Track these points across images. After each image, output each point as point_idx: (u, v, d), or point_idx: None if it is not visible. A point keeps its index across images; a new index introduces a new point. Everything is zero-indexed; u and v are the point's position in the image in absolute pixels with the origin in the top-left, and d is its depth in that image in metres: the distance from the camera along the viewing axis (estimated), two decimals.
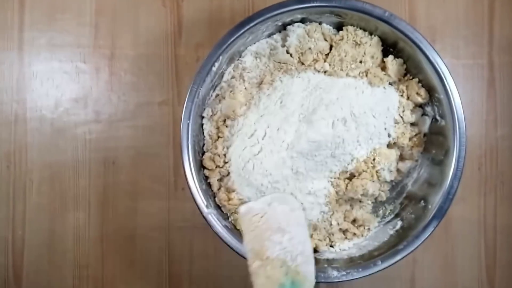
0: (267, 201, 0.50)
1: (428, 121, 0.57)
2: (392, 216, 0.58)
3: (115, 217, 0.62)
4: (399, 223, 0.56)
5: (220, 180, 0.56)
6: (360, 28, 0.56)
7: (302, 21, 0.57)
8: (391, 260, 0.51)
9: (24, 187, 0.62)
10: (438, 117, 0.55)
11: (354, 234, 0.57)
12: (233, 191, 0.55)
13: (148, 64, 0.62)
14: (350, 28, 0.56)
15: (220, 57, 0.52)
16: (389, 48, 0.57)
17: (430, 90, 0.55)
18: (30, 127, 0.62)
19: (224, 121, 0.56)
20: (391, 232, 0.56)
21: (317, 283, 0.50)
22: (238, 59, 0.57)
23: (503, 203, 0.63)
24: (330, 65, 0.56)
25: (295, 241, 0.46)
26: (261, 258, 0.45)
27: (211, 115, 0.57)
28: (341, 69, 0.55)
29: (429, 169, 0.56)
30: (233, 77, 0.57)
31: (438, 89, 0.52)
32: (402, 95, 0.57)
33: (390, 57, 0.56)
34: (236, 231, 0.55)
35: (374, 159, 0.56)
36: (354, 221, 0.58)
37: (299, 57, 0.56)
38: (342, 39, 0.56)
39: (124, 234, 0.62)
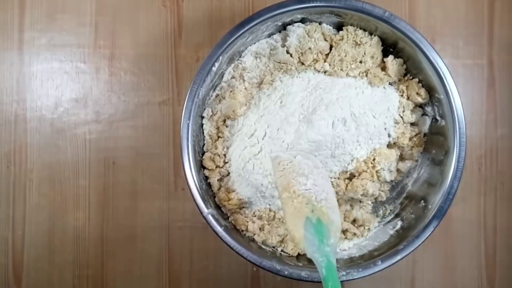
0: (292, 154, 0.51)
1: (428, 121, 0.57)
2: (392, 216, 0.58)
3: (115, 217, 0.62)
4: (399, 223, 0.56)
5: (220, 180, 0.56)
6: (360, 28, 0.56)
7: (302, 21, 0.57)
8: (391, 260, 0.51)
9: (24, 187, 0.62)
10: (438, 117, 0.55)
11: (354, 234, 0.57)
12: (233, 191, 0.55)
13: (148, 64, 0.62)
14: (350, 28, 0.56)
15: (220, 57, 0.52)
16: (389, 48, 0.57)
17: (430, 90, 0.55)
18: (30, 127, 0.62)
19: (224, 121, 0.56)
20: (391, 232, 0.56)
21: (317, 282, 0.51)
22: (238, 59, 0.57)
23: (503, 203, 0.63)
24: (330, 65, 0.56)
25: (318, 187, 0.46)
26: (288, 191, 0.46)
27: (211, 115, 0.57)
28: (341, 69, 0.55)
29: (429, 169, 0.56)
30: (233, 77, 0.57)
31: (438, 89, 0.52)
32: (402, 95, 0.57)
33: (390, 57, 0.56)
34: (236, 231, 0.55)
35: (374, 159, 0.56)
36: (354, 221, 0.58)
37: (299, 57, 0.56)
38: (342, 39, 0.56)
39: (124, 234, 0.62)
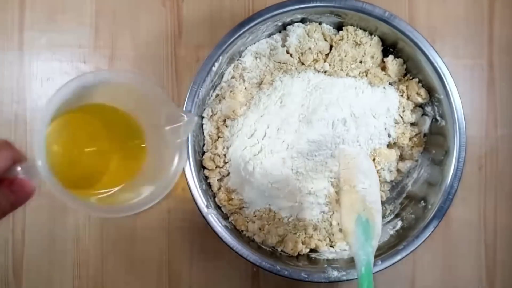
0: (357, 151, 0.53)
1: (428, 121, 0.57)
2: (392, 216, 0.58)
3: (115, 217, 0.62)
4: (399, 223, 0.56)
5: (220, 180, 0.56)
6: (360, 28, 0.56)
7: (302, 21, 0.57)
8: (391, 260, 0.51)
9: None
10: (438, 117, 0.55)
11: None
12: (233, 191, 0.55)
13: (148, 65, 0.62)
14: (350, 28, 0.56)
15: (220, 57, 0.52)
16: (389, 48, 0.57)
17: (430, 90, 0.55)
18: (30, 127, 0.62)
19: (224, 121, 0.56)
20: (391, 232, 0.56)
21: (317, 283, 0.51)
22: (238, 59, 0.57)
23: (503, 203, 0.63)
24: (330, 65, 0.56)
25: (373, 189, 0.48)
26: (349, 184, 0.48)
27: (211, 115, 0.57)
28: (341, 69, 0.55)
29: (429, 169, 0.56)
30: (233, 77, 0.57)
31: (438, 89, 0.52)
32: (402, 95, 0.57)
33: (390, 57, 0.56)
34: (236, 231, 0.55)
35: (374, 159, 0.56)
36: None
37: (299, 57, 0.56)
38: (342, 39, 0.56)
39: (124, 234, 0.62)
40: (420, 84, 0.56)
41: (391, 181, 0.59)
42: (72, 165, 0.42)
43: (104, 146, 0.44)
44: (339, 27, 0.57)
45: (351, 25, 0.56)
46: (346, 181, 0.48)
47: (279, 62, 0.56)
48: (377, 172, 0.57)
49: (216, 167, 0.56)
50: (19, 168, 0.32)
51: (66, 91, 0.35)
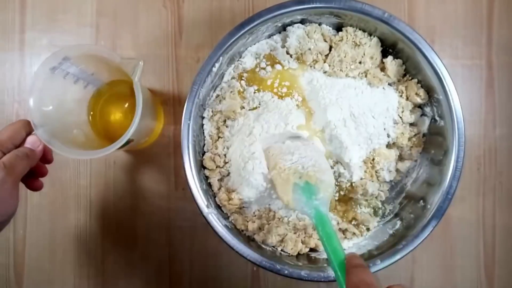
0: (282, 141, 0.55)
1: (427, 121, 0.57)
2: (392, 216, 0.58)
3: (115, 216, 0.62)
4: (398, 223, 0.56)
5: (220, 180, 0.57)
6: (360, 29, 0.56)
7: (302, 22, 0.57)
8: (390, 260, 0.51)
9: (24, 187, 0.62)
10: (437, 118, 0.55)
11: (354, 233, 0.57)
12: (234, 191, 0.55)
13: (149, 65, 0.62)
14: (350, 29, 0.56)
15: (221, 58, 0.52)
16: (388, 48, 0.57)
17: (429, 91, 0.55)
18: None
19: (224, 121, 0.57)
20: (391, 231, 0.56)
21: (317, 282, 0.51)
22: (238, 60, 0.58)
23: (502, 203, 0.63)
24: (329, 65, 0.56)
25: (305, 158, 0.51)
26: (275, 168, 0.51)
27: (212, 116, 0.57)
28: (341, 70, 0.56)
29: (428, 169, 0.56)
30: (233, 77, 0.57)
31: (437, 89, 0.53)
32: (401, 96, 0.57)
33: (390, 57, 0.56)
34: (236, 231, 0.55)
35: (373, 159, 0.57)
36: (353, 220, 0.58)
37: (298, 58, 0.56)
38: (341, 40, 0.56)
39: (124, 234, 0.62)
40: (419, 85, 0.56)
41: (390, 181, 0.59)
42: (107, 125, 0.58)
43: (123, 110, 0.59)
44: (338, 28, 0.58)
45: (350, 26, 0.56)
46: (272, 168, 0.51)
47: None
48: (376, 172, 0.57)
49: (216, 167, 0.56)
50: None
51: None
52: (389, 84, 0.57)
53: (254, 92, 0.56)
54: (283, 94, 0.56)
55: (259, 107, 0.56)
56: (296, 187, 0.49)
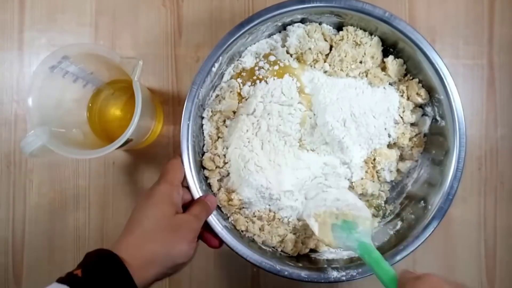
0: (319, 205, 0.56)
1: (428, 121, 0.57)
2: (392, 216, 0.58)
3: (115, 217, 0.62)
4: (399, 224, 0.56)
5: (220, 180, 0.56)
6: (360, 29, 0.56)
7: (302, 21, 0.57)
8: (391, 260, 0.51)
9: (24, 187, 0.62)
10: (438, 118, 0.55)
11: None
12: (233, 191, 0.55)
13: (148, 64, 0.62)
14: (350, 28, 0.56)
15: (220, 58, 0.52)
16: (389, 48, 0.57)
17: (430, 91, 0.55)
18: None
19: (224, 121, 0.56)
20: (391, 232, 0.56)
21: (317, 283, 0.51)
22: (238, 60, 0.57)
23: (503, 203, 0.63)
24: (330, 65, 0.56)
25: (339, 202, 0.53)
26: (315, 219, 0.53)
27: (211, 116, 0.57)
28: (341, 70, 0.55)
29: (429, 169, 0.56)
30: (233, 77, 0.57)
31: (438, 89, 0.52)
32: (402, 96, 0.57)
33: (390, 57, 0.56)
34: (236, 231, 0.55)
35: (374, 159, 0.56)
36: None
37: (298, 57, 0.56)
38: (342, 40, 0.56)
39: None
40: (420, 85, 0.56)
41: (391, 181, 0.59)
42: (106, 124, 0.59)
43: (122, 109, 0.59)
44: (339, 28, 0.57)
45: (351, 25, 0.56)
46: (313, 219, 0.53)
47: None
48: (377, 172, 0.57)
49: (216, 168, 0.56)
50: None
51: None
52: (390, 84, 0.57)
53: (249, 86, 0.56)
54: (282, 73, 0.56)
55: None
56: (335, 227, 0.50)
